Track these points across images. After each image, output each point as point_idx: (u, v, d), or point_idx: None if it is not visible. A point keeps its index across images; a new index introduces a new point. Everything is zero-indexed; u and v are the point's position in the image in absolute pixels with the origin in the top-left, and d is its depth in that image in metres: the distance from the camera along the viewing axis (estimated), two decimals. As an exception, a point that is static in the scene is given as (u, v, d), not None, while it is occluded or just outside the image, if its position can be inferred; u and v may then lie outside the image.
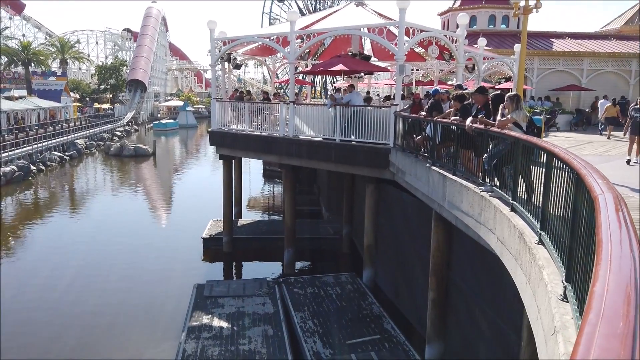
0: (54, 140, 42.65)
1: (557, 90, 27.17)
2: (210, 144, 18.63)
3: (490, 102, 8.06)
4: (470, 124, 7.79)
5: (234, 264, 18.56)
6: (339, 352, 10.75)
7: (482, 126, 7.52)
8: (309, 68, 20.92)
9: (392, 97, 19.21)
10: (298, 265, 17.39)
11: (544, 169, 4.76)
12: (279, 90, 30.90)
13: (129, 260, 18.20)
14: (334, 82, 39.97)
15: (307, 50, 16.09)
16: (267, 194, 31.97)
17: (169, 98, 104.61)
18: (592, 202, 2.72)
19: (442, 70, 23.50)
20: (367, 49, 24.20)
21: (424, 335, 11.26)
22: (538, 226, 4.96)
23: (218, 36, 17.11)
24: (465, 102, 9.08)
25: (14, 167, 32.14)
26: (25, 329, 12.81)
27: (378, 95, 33.20)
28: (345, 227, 18.85)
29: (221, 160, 18.83)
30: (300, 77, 29.29)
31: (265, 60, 23.72)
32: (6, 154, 32.95)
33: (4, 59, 61.68)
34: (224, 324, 12.08)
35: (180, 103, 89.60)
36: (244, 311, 12.79)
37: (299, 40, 15.35)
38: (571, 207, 3.73)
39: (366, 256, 15.20)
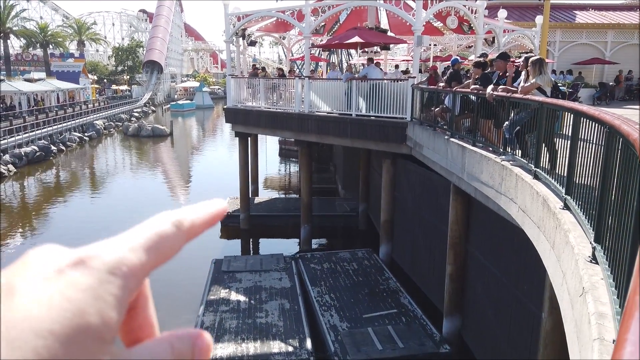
0: (74, 121, 43.15)
1: (580, 63, 26.35)
2: (226, 121, 18.59)
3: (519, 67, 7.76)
4: (492, 92, 7.56)
5: (251, 240, 18.66)
6: (355, 326, 10.76)
7: (504, 93, 7.28)
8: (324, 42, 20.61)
9: (409, 71, 18.86)
10: (315, 242, 17.40)
11: (570, 130, 4.56)
12: (294, 68, 30.65)
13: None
14: (349, 60, 39.45)
15: (323, 24, 15.83)
16: (283, 173, 31.96)
17: (185, 79, 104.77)
18: (627, 152, 2.56)
19: (460, 45, 22.99)
20: (384, 24, 23.73)
21: (441, 310, 11.20)
22: (563, 191, 4.79)
23: (232, 12, 16.90)
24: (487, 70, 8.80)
25: (35, 148, 32.62)
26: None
27: (396, 66, 32.66)
28: (362, 204, 18.76)
29: (237, 139, 18.80)
30: (316, 54, 28.97)
31: (280, 37, 23.46)
32: (27, 134, 33.45)
33: (23, 41, 62.22)
34: (242, 298, 12.18)
35: (197, 84, 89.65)
36: (261, 285, 12.87)
37: (314, 15, 15.07)
38: (601, 165, 3.56)
39: (383, 232, 15.12)
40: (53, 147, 35.13)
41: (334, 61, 29.90)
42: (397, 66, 24.62)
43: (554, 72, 25.36)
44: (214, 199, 0.42)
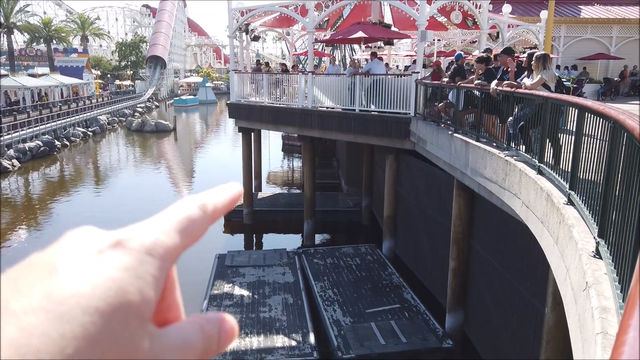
0: (77, 116, 43.24)
1: (585, 59, 26.21)
2: (229, 117, 18.60)
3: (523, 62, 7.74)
4: (495, 87, 7.54)
5: (254, 235, 18.71)
6: (358, 321, 10.80)
7: (508, 89, 7.26)
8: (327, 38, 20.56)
9: (412, 64, 18.79)
10: (318, 237, 17.43)
11: (574, 125, 4.55)
12: (297, 63, 30.59)
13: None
14: (352, 55, 39.36)
15: (326, 19, 15.79)
16: (286, 169, 31.98)
17: (189, 74, 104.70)
18: (632, 147, 2.56)
19: (464, 40, 22.89)
20: (388, 19, 23.64)
21: (444, 305, 11.22)
22: (567, 186, 4.79)
23: (236, 7, 16.87)
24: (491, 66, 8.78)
25: (39, 143, 32.73)
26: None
27: (397, 66, 32.58)
28: (365, 199, 18.76)
29: (240, 134, 18.81)
30: (319, 49, 28.89)
31: (284, 33, 23.42)
32: (31, 129, 33.54)
33: (26, 36, 62.29)
34: (245, 293, 12.23)
35: (200, 79, 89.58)
36: (265, 280, 12.91)
37: (318, 10, 15.03)
38: (606, 160, 3.56)
39: (386, 227, 15.13)
40: (57, 142, 35.24)
41: (335, 56, 29.79)
42: (381, 59, 24.47)
43: (557, 67, 25.28)
44: (230, 183, 0.44)
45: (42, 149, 32.45)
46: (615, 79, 24.14)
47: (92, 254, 0.34)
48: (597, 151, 4.16)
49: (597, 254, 3.46)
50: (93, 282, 0.32)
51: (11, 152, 29.45)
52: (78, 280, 0.32)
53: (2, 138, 29.26)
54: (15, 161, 28.91)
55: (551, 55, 20.82)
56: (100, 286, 0.32)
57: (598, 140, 4.09)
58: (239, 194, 0.43)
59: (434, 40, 23.69)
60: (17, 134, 31.40)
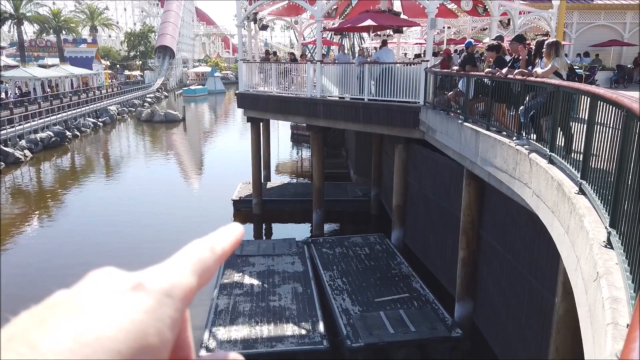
0: (88, 107, 43.49)
1: (598, 45, 25.77)
2: (238, 106, 18.60)
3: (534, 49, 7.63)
4: (506, 75, 7.45)
5: (264, 225, 18.79)
6: (367, 310, 10.84)
7: (519, 77, 7.17)
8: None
9: (422, 54, 18.63)
10: (327, 227, 17.46)
11: (587, 113, 4.49)
12: (306, 52, 30.45)
13: (162, 222, 18.65)
14: (361, 44, 39.04)
15: (335, 7, 15.67)
16: (295, 159, 31.98)
17: (197, 64, 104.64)
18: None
19: (474, 27, 22.62)
20: (397, 6, 23.39)
21: (453, 294, 11.22)
22: (578, 176, 4.74)
23: (244, -5, 16.78)
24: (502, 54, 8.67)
25: (51, 133, 33.01)
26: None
27: (405, 54, 32.30)
28: (374, 188, 18.74)
29: (249, 124, 18.81)
30: (328, 37, 28.71)
31: (292, 21, 23.28)
32: (42, 120, 33.82)
33: (36, 27, 62.55)
34: (255, 282, 12.31)
35: (209, 69, 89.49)
36: (274, 269, 12.99)
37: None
38: (618, 149, 3.51)
39: (395, 217, 15.11)
40: (68, 133, 35.51)
41: (344, 44, 29.53)
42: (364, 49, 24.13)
43: (566, 55, 24.88)
44: (232, 224, 0.47)
45: (53, 139, 32.73)
46: (629, 66, 23.73)
47: (115, 296, 0.36)
48: (609, 140, 4.10)
49: (609, 244, 3.43)
50: (116, 324, 0.33)
51: (23, 142, 29.76)
52: (102, 322, 0.33)
53: (14, 129, 29.56)
54: (27, 151, 29.22)
55: (563, 42, 20.53)
56: (122, 329, 0.33)
57: (610, 129, 4.04)
58: (241, 235, 0.46)
59: (444, 27, 23.48)
60: (29, 124, 31.69)
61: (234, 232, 0.45)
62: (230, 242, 0.44)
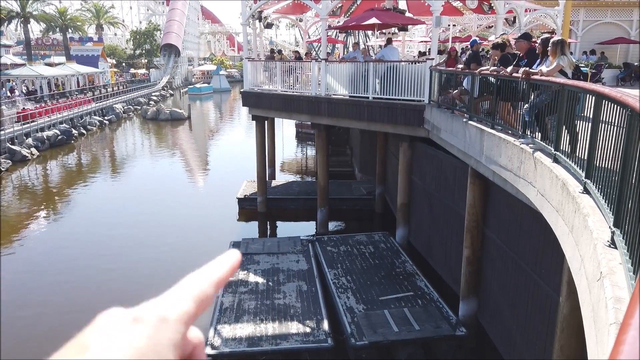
0: (94, 105, 43.68)
1: (604, 43, 25.62)
2: (243, 105, 18.63)
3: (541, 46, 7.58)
4: (511, 73, 7.43)
5: (268, 223, 18.83)
6: (371, 308, 10.86)
7: (524, 75, 7.14)
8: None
9: (427, 52, 18.58)
10: (331, 225, 17.48)
11: (591, 112, 4.48)
12: (310, 51, 30.44)
13: (168, 220, 18.73)
14: (366, 42, 38.95)
15: (340, 5, 15.66)
16: (299, 157, 32.00)
17: (202, 62, 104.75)
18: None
19: (480, 25, 22.54)
20: (402, 5, 23.32)
21: (457, 293, 11.21)
22: (583, 175, 4.73)
23: (249, -6, 16.80)
24: (507, 52, 8.64)
25: (57, 132, 33.20)
26: (72, 277, 13.50)
27: (415, 55, 32.19)
28: (379, 187, 18.73)
29: (254, 122, 18.84)
30: (333, 35, 28.68)
31: (297, 20, 23.27)
32: (49, 118, 34.02)
33: (43, 26, 62.83)
34: (260, 280, 12.36)
35: (214, 67, 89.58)
36: (279, 267, 13.03)
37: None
38: (622, 149, 3.50)
39: (399, 215, 15.11)
40: (74, 131, 35.69)
41: (357, 42, 29.42)
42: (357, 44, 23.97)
43: (571, 53, 24.73)
44: (229, 251, 0.52)
45: (59, 137, 32.92)
46: (635, 63, 23.56)
47: (117, 331, 0.42)
48: (614, 139, 4.09)
49: (612, 244, 3.43)
50: (117, 352, 0.39)
51: (30, 140, 29.95)
52: (106, 353, 0.39)
53: (21, 127, 29.75)
54: (33, 150, 29.40)
55: (569, 40, 20.42)
56: (125, 355, 0.39)
57: (615, 128, 4.03)
58: (238, 262, 0.52)
59: (449, 25, 23.38)
60: (35, 123, 31.88)
61: (231, 260, 0.51)
62: (226, 271, 0.50)
